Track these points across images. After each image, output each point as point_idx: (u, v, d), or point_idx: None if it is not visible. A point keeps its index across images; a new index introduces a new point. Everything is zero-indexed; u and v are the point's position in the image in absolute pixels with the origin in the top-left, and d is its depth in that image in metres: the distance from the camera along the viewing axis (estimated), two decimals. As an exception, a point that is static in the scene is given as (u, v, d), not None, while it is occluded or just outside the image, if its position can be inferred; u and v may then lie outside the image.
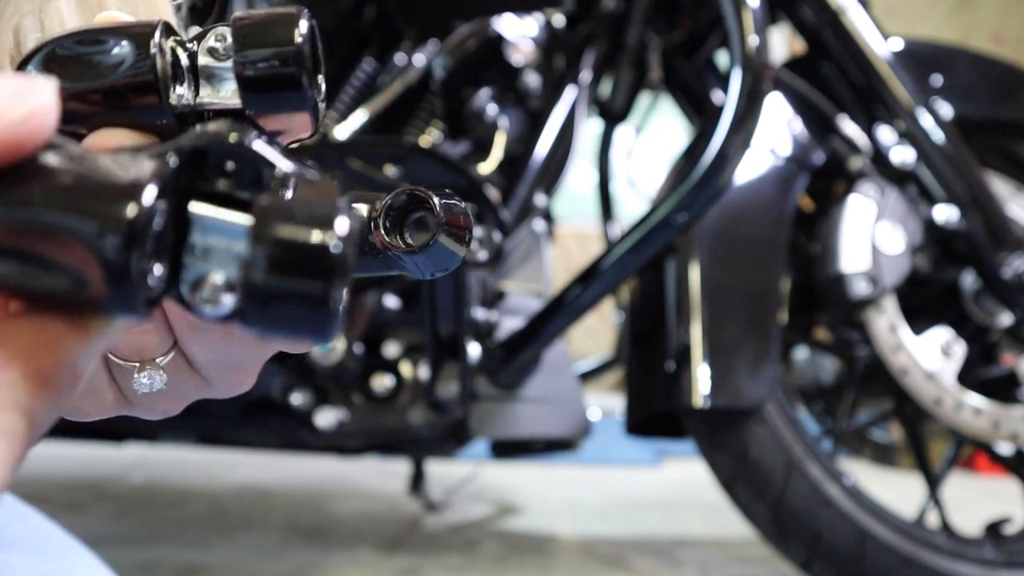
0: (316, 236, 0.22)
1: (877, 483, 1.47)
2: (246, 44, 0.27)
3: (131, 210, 0.21)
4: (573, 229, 4.56)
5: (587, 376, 1.92)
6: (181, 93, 0.28)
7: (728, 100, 1.20)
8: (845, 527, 1.32)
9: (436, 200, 0.33)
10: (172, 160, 0.24)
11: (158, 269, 0.23)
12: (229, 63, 0.28)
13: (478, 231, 1.24)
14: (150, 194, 0.22)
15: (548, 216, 1.63)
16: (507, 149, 1.46)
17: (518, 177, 1.46)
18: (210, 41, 0.28)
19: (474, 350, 1.31)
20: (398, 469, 2.40)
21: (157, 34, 0.28)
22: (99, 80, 0.28)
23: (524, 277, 1.54)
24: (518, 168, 1.47)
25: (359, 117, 1.36)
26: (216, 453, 2.46)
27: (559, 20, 1.60)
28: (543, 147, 1.48)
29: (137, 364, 0.35)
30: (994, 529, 1.43)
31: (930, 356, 1.37)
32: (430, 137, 1.41)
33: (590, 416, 1.52)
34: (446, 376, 1.27)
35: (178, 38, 0.29)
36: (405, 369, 1.31)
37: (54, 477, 2.22)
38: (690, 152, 1.54)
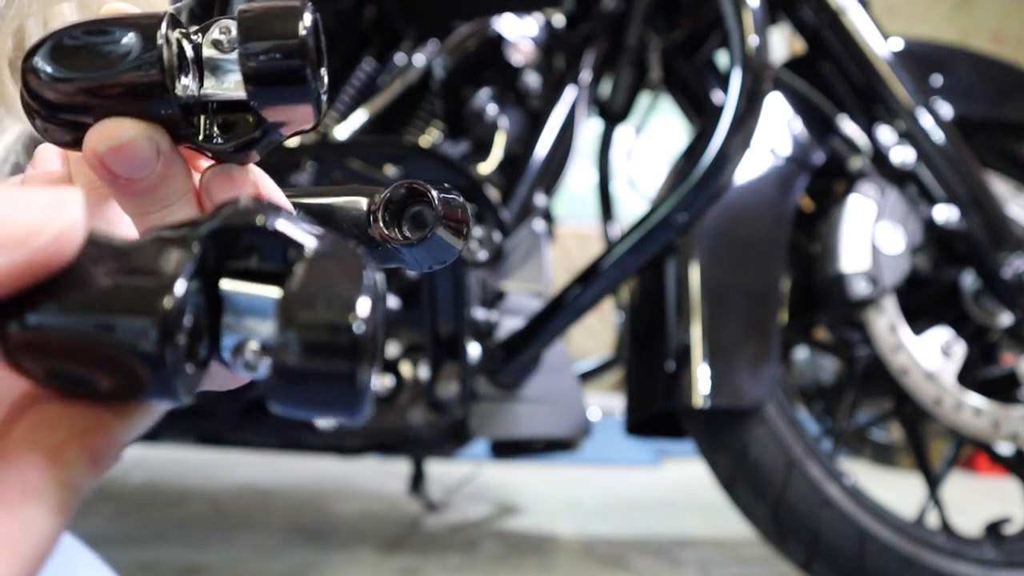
0: (340, 319, 0.22)
1: (877, 483, 1.47)
2: (250, 36, 0.28)
3: (162, 309, 0.22)
4: (573, 229, 4.56)
5: (587, 376, 1.92)
6: (186, 84, 0.29)
7: (728, 100, 1.20)
8: (845, 527, 1.32)
9: (434, 193, 0.33)
10: (196, 248, 0.24)
11: (194, 359, 0.24)
12: (233, 55, 0.28)
13: (478, 231, 1.24)
14: (180, 289, 0.23)
15: (548, 216, 1.63)
16: (507, 149, 1.46)
17: (518, 177, 1.46)
18: (214, 33, 0.29)
19: (474, 350, 1.31)
20: (398, 469, 2.40)
21: (164, 25, 0.28)
22: (105, 70, 0.28)
23: (524, 277, 1.54)
24: (518, 168, 1.47)
25: (359, 117, 1.36)
26: (216, 453, 2.46)
27: (559, 20, 1.60)
28: (543, 147, 1.48)
29: None
30: (994, 529, 1.44)
31: (930, 356, 1.37)
32: (430, 137, 1.41)
33: (590, 416, 1.52)
34: (446, 376, 1.27)
35: (183, 30, 0.29)
36: (405, 369, 1.31)
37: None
38: (690, 152, 1.54)
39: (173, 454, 2.47)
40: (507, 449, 1.68)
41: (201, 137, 0.30)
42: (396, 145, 1.31)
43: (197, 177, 0.32)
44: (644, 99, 1.75)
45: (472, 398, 1.35)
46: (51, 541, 0.23)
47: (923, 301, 1.48)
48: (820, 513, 1.32)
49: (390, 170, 1.27)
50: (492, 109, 1.41)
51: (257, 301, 0.25)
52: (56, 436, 0.24)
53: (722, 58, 1.63)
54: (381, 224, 0.33)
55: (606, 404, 3.06)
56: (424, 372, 1.30)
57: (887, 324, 1.36)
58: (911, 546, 1.33)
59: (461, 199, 0.34)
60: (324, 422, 1.29)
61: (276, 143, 0.31)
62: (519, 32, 1.47)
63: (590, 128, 1.72)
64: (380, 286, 0.24)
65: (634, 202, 1.77)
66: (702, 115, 1.63)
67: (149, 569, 1.52)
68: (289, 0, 0.28)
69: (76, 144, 0.30)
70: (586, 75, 1.54)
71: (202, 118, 0.30)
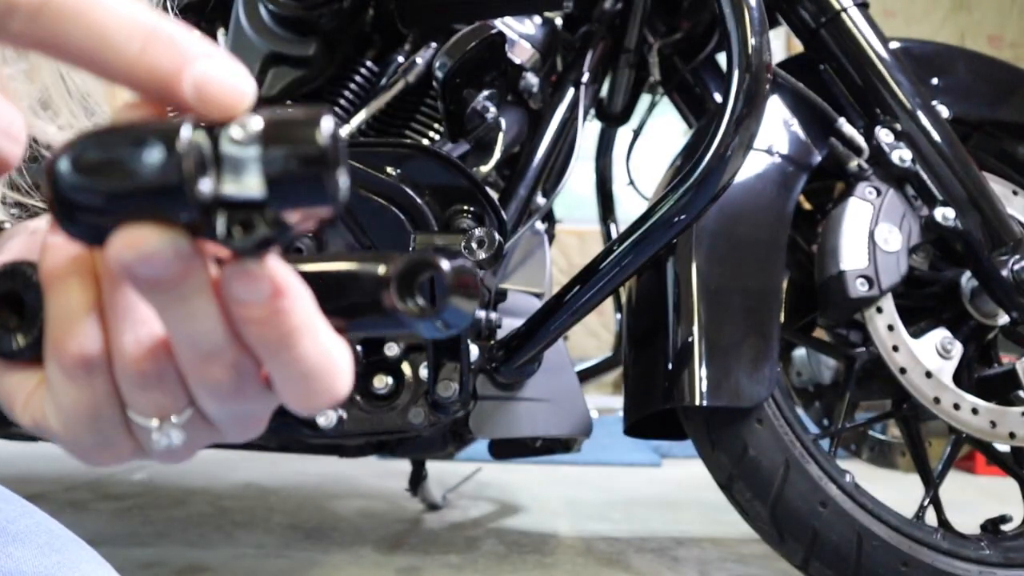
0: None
1: (876, 483, 1.47)
2: (272, 142, 0.29)
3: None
4: (573, 229, 4.57)
5: (587, 376, 1.93)
6: (204, 185, 0.30)
7: (728, 100, 1.21)
8: (843, 526, 1.33)
9: (445, 265, 0.33)
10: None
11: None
12: (251, 152, 0.30)
13: (478, 232, 1.24)
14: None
15: (549, 217, 1.63)
16: (507, 149, 1.46)
17: (518, 177, 1.46)
18: (232, 130, 0.30)
19: (474, 350, 1.31)
20: (398, 468, 2.40)
21: (183, 131, 0.29)
22: (126, 180, 0.30)
23: (524, 277, 1.54)
24: (518, 168, 1.47)
25: (359, 117, 1.37)
26: (217, 453, 2.47)
27: (559, 20, 1.60)
28: (543, 148, 1.48)
29: (156, 423, 0.36)
30: (991, 526, 1.44)
31: (929, 355, 1.37)
32: (430, 137, 1.41)
33: (591, 416, 1.53)
34: (446, 376, 1.28)
35: (202, 125, 0.30)
36: (405, 369, 1.31)
37: (56, 476, 2.22)
38: (689, 152, 1.54)
39: (174, 453, 2.47)
40: (506, 450, 1.68)
41: (219, 235, 0.31)
42: (396, 145, 1.31)
43: (213, 267, 0.33)
44: (644, 100, 1.76)
45: (472, 398, 1.35)
46: None
47: (922, 301, 1.48)
48: (818, 512, 1.33)
49: (390, 170, 1.27)
50: (492, 109, 1.42)
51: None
52: None
53: (722, 59, 1.63)
54: (393, 294, 0.34)
55: (606, 404, 3.07)
56: (424, 372, 1.30)
57: (886, 324, 1.37)
58: (909, 545, 1.33)
59: (470, 265, 0.35)
60: (324, 421, 1.29)
61: (294, 239, 0.32)
62: (519, 32, 1.48)
63: (590, 129, 1.72)
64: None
65: (634, 202, 1.77)
66: (702, 115, 1.64)
67: (150, 568, 1.52)
68: (310, 107, 0.30)
69: (95, 240, 0.31)
70: (586, 76, 1.55)
71: (220, 216, 0.31)
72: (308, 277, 0.34)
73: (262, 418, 0.38)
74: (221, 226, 0.30)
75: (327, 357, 0.34)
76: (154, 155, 0.29)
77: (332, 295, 0.35)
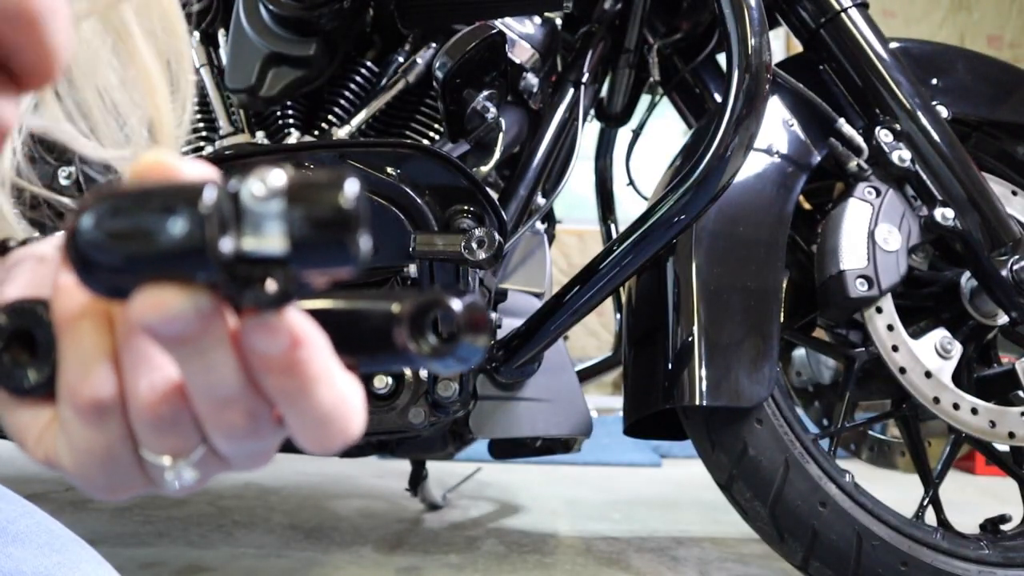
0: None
1: (876, 483, 1.47)
2: (296, 200, 0.29)
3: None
4: (573, 229, 4.57)
5: (587, 376, 1.93)
6: (226, 243, 0.29)
7: (727, 100, 1.21)
8: (843, 526, 1.33)
9: (456, 305, 0.33)
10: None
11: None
12: (272, 207, 0.29)
13: (479, 232, 1.24)
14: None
15: (549, 217, 1.63)
16: (507, 149, 1.46)
17: (518, 178, 1.46)
18: (254, 186, 0.29)
19: (474, 350, 1.31)
20: (398, 468, 2.41)
21: (205, 194, 0.29)
22: (149, 243, 0.29)
23: (524, 277, 1.54)
24: (518, 168, 1.47)
25: (359, 117, 1.37)
26: (217, 452, 2.46)
27: (559, 20, 1.60)
28: (543, 148, 1.48)
29: (169, 462, 0.36)
30: (990, 526, 1.44)
31: (928, 355, 1.37)
32: (430, 137, 1.41)
33: (591, 416, 1.53)
34: (446, 376, 1.28)
35: (221, 184, 0.30)
36: (405, 369, 1.32)
37: (56, 476, 2.22)
38: (689, 152, 1.54)
39: (174, 453, 2.47)
40: (506, 450, 1.68)
41: (239, 290, 0.31)
42: (396, 145, 1.31)
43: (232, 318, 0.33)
44: (644, 100, 1.76)
45: (472, 398, 1.35)
46: None
47: (922, 301, 1.48)
48: (818, 512, 1.33)
49: (390, 170, 1.27)
50: (492, 110, 1.42)
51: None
52: None
53: (723, 59, 1.63)
54: (406, 336, 0.33)
55: (606, 404, 3.07)
56: (424, 372, 1.30)
57: (885, 323, 1.37)
58: (909, 544, 1.33)
59: (479, 301, 0.34)
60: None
61: (313, 292, 0.32)
62: (520, 32, 1.48)
63: (590, 129, 1.72)
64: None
65: (634, 202, 1.78)
66: (702, 116, 1.64)
67: (150, 568, 1.52)
68: (333, 169, 0.30)
69: (114, 295, 0.31)
70: (586, 76, 1.55)
71: (240, 272, 0.30)
72: (319, 315, 0.34)
73: (272, 451, 0.39)
74: (241, 282, 0.30)
75: (343, 401, 0.34)
76: (177, 219, 0.29)
77: (344, 334, 0.34)
